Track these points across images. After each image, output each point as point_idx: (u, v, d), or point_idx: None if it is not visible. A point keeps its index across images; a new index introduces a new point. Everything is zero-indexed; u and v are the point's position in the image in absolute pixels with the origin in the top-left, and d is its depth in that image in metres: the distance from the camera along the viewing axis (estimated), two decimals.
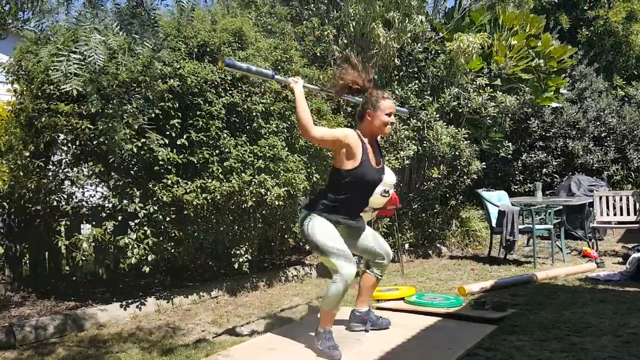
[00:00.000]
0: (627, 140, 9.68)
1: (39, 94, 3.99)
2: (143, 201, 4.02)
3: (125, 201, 4.00)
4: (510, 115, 7.59)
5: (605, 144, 9.63)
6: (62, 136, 4.14)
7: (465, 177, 6.73)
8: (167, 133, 4.13)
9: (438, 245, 6.82)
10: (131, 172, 4.25)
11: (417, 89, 6.47)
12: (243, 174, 4.26)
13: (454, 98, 6.63)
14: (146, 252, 3.94)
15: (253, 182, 4.31)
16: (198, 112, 4.23)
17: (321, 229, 2.95)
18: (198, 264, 5.03)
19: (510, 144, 7.85)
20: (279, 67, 4.92)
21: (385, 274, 3.42)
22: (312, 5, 6.83)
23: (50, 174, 4.24)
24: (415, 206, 6.82)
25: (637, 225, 6.60)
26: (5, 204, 4.41)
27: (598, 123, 9.66)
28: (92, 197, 4.45)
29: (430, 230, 6.86)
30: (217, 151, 4.27)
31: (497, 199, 6.31)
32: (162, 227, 4.11)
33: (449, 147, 6.37)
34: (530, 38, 7.78)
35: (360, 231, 3.21)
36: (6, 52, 4.59)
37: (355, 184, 2.97)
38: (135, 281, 4.69)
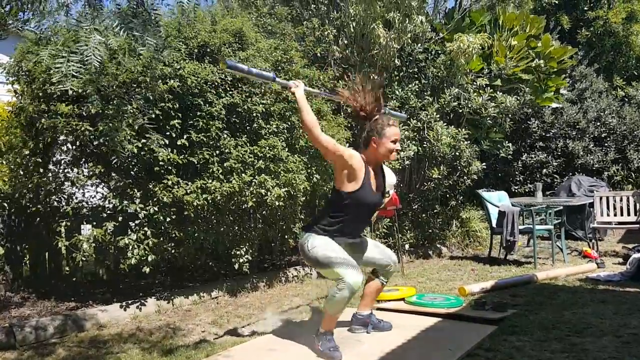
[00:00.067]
0: (628, 140, 9.67)
1: (40, 94, 3.99)
2: (143, 202, 4.02)
3: (125, 202, 4.00)
4: (510, 115, 7.59)
5: (606, 144, 9.62)
6: (62, 137, 4.15)
7: (465, 177, 6.73)
8: (168, 133, 4.13)
9: (438, 245, 6.82)
10: (131, 172, 4.26)
11: (417, 89, 6.47)
12: (243, 175, 4.27)
13: (454, 98, 6.63)
14: (146, 252, 3.94)
15: (253, 183, 4.31)
16: (198, 113, 4.23)
17: (322, 242, 2.93)
18: (198, 264, 5.03)
19: (510, 144, 7.84)
20: (280, 68, 4.92)
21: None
22: (313, 5, 6.82)
23: (50, 174, 4.24)
24: (416, 206, 6.82)
25: (638, 225, 6.59)
26: (5, 204, 4.41)
27: (598, 123, 9.66)
28: (93, 197, 4.46)
29: (430, 231, 6.86)
30: (217, 152, 4.27)
31: (498, 200, 6.31)
32: (163, 228, 4.11)
33: (449, 147, 6.37)
34: (531, 38, 7.77)
35: (363, 245, 3.22)
36: (7, 52, 4.59)
37: (354, 207, 2.96)
38: (136, 282, 4.69)
